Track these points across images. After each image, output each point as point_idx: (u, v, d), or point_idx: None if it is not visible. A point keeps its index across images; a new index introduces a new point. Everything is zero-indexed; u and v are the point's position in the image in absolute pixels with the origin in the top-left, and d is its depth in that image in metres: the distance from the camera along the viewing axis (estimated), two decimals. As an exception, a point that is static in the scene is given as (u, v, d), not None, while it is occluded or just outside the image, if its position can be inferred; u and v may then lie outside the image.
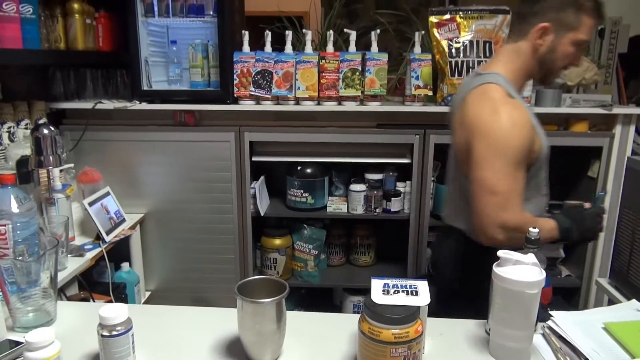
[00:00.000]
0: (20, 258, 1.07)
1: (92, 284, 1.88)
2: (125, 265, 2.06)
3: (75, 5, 1.98)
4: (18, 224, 1.14)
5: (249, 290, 0.93)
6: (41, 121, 1.91)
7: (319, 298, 2.57)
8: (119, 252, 2.05)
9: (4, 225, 1.13)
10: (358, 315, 0.91)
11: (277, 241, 2.33)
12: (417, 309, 0.87)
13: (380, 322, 0.85)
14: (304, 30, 2.11)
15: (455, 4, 3.20)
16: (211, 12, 2.07)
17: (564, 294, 2.41)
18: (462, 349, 0.99)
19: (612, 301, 1.31)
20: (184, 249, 2.26)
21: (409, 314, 0.85)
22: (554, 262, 2.43)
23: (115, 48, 2.23)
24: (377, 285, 0.94)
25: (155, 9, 2.08)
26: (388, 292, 0.91)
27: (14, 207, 1.14)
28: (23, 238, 1.15)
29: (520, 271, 0.91)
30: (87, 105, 2.09)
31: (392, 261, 2.46)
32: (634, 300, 1.09)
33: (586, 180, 2.29)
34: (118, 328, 0.89)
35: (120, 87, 2.24)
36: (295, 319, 1.01)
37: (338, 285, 2.47)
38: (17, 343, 0.97)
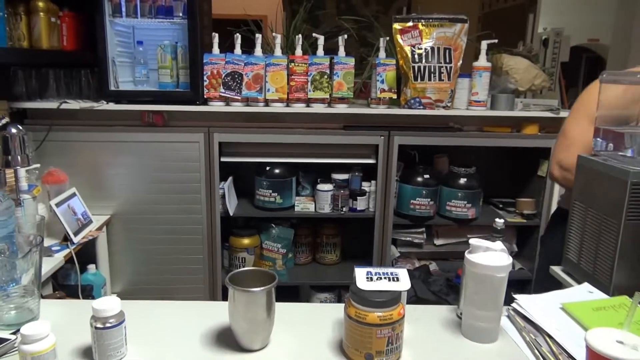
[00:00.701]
0: (2, 256, 1.06)
1: (57, 287, 1.86)
2: (91, 267, 2.03)
3: (40, 4, 1.94)
4: (-4, 223, 1.13)
5: (240, 281, 0.97)
6: (4, 121, 1.86)
7: (286, 296, 2.60)
8: (85, 254, 2.02)
9: (-17, 224, 1.11)
10: (340, 305, 0.97)
11: (246, 241, 2.36)
12: (399, 293, 0.95)
13: (366, 306, 0.91)
14: (273, 34, 2.16)
15: (410, 12, 3.33)
16: (180, 14, 2.09)
17: (517, 286, 2.57)
18: (437, 331, 1.07)
19: (565, 287, 1.43)
20: (151, 250, 2.25)
21: (392, 298, 0.92)
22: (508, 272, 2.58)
23: (80, 48, 2.19)
24: (360, 273, 1.00)
25: (123, 9, 2.07)
26: (371, 279, 0.98)
27: (-8, 206, 1.13)
28: (1, 237, 1.14)
29: (489, 257, 1.00)
30: (51, 105, 2.05)
31: (357, 258, 2.54)
32: (585, 283, 1.21)
33: (536, 179, 2.46)
34: (111, 320, 0.91)
35: (84, 87, 2.21)
36: (282, 309, 1.05)
37: (305, 283, 2.52)
38: (2, 340, 0.97)
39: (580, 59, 4.62)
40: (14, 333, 0.99)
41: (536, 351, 0.98)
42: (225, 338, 1.01)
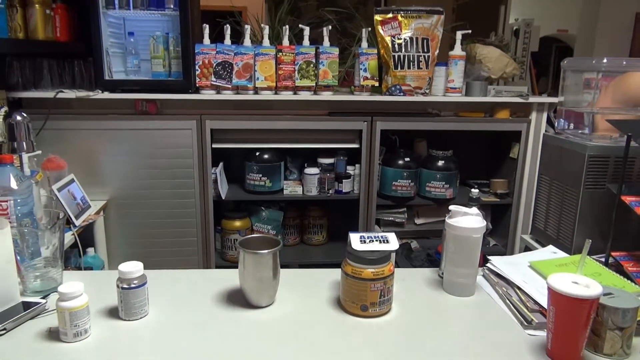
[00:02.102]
0: (28, 228, 1.15)
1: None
2: (90, 251, 2.11)
3: (35, -4, 2.01)
4: (18, 200, 1.22)
5: (249, 245, 1.09)
6: (3, 110, 1.93)
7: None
8: (84, 238, 2.10)
9: (6, 201, 1.21)
10: (335, 270, 1.10)
11: (237, 223, 2.47)
12: (389, 252, 1.08)
13: (361, 263, 1.05)
14: (262, 25, 2.26)
15: (391, 4, 3.47)
16: (172, 6, 2.17)
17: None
18: (421, 288, 1.21)
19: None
20: (147, 234, 2.34)
21: (383, 256, 1.06)
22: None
23: (72, 38, 2.26)
24: (355, 237, 1.13)
25: (116, 1, 2.14)
26: (364, 242, 1.12)
27: (14, 184, 1.22)
28: (22, 214, 1.24)
29: (467, 220, 1.14)
30: (47, 94, 2.11)
31: (343, 239, 2.68)
32: (550, 246, 1.37)
33: (508, 161, 2.63)
34: (135, 281, 1.02)
35: (77, 77, 2.27)
36: (285, 274, 1.18)
37: (294, 263, 2.65)
38: (31, 304, 1.07)
39: (551, 49, 4.84)
40: (43, 298, 1.10)
41: (507, 301, 1.13)
42: (236, 297, 1.13)
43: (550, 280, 0.92)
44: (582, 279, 0.92)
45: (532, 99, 2.42)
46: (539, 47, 3.84)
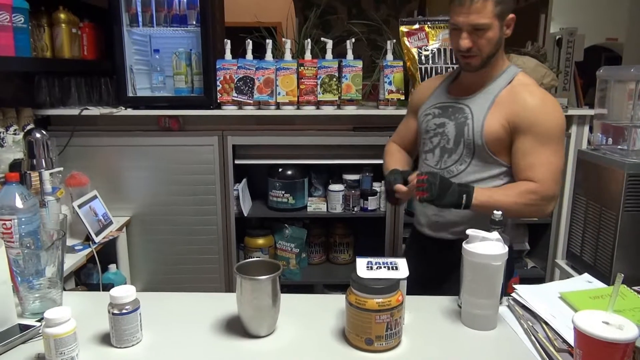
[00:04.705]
0: (28, 249, 1.13)
1: (80, 284, 1.94)
2: (112, 267, 2.11)
3: (62, 15, 2.05)
4: (23, 219, 1.21)
5: (247, 270, 1.02)
6: (29, 127, 1.97)
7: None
8: (106, 254, 2.10)
9: (10, 220, 1.19)
10: (343, 296, 1.01)
11: (260, 241, 2.42)
12: (397, 281, 0.99)
13: (365, 292, 0.96)
14: (283, 39, 2.23)
15: (423, 15, 3.38)
16: (194, 22, 2.17)
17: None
18: (437, 320, 1.11)
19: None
20: (169, 250, 2.33)
21: (390, 285, 0.97)
22: (520, 254, 2.60)
23: (99, 56, 2.30)
24: (361, 263, 1.05)
25: (140, 19, 2.16)
26: (371, 268, 1.03)
27: (19, 203, 1.21)
28: (27, 232, 1.22)
29: (486, 246, 1.04)
30: (73, 111, 2.15)
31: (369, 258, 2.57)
32: (585, 274, 1.24)
33: (547, 178, 2.46)
34: (127, 307, 0.98)
35: (103, 94, 2.31)
36: (287, 300, 1.10)
37: (318, 282, 2.57)
38: (27, 327, 1.04)
39: (600, 59, 4.59)
40: (38, 321, 1.07)
41: (532, 337, 1.01)
42: (234, 325, 1.06)
43: (577, 319, 0.81)
44: (615, 318, 0.80)
45: (571, 111, 2.26)
46: (587, 57, 3.64)
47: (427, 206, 1.42)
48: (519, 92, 1.31)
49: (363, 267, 1.03)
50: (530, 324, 1.05)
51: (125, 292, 0.98)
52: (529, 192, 1.27)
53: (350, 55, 2.22)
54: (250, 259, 1.09)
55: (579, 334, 0.79)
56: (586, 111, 2.27)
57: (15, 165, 1.68)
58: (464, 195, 1.28)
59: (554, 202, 1.30)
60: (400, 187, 1.35)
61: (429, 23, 2.19)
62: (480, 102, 1.35)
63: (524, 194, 1.28)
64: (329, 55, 2.22)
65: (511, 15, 1.30)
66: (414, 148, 1.62)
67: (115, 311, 0.97)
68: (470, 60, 1.31)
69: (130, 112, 2.18)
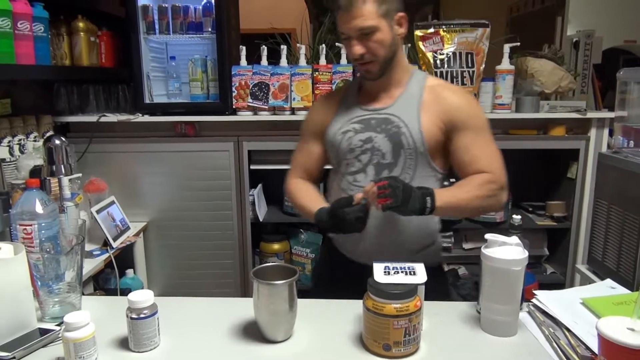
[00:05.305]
0: (48, 254, 1.15)
1: (98, 289, 1.96)
2: (129, 272, 2.13)
3: (81, 24, 2.08)
4: (43, 224, 1.22)
5: (264, 275, 1.02)
6: (49, 134, 2.00)
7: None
8: (123, 259, 2.12)
9: (30, 225, 1.21)
10: (360, 301, 1.00)
11: (276, 246, 2.42)
12: (415, 286, 0.98)
13: (383, 298, 0.95)
14: (298, 45, 2.24)
15: (437, 19, 3.37)
16: (210, 29, 2.19)
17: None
18: (456, 326, 1.09)
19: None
20: (185, 255, 2.34)
21: (408, 290, 0.96)
22: (539, 260, 2.56)
23: (116, 64, 2.33)
24: (378, 268, 1.04)
25: (156, 26, 2.19)
26: (389, 273, 1.02)
27: (39, 209, 1.23)
28: (47, 237, 1.24)
29: (505, 251, 1.02)
30: (91, 118, 2.18)
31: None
32: (608, 279, 1.21)
33: (566, 182, 2.42)
34: (145, 311, 0.98)
35: (121, 102, 2.34)
36: (304, 305, 1.10)
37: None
38: (47, 331, 1.05)
39: (618, 61, 4.52)
40: (58, 325, 1.08)
41: (554, 344, 0.99)
42: (251, 330, 1.06)
43: (602, 325, 0.79)
44: (641, 324, 0.78)
45: (590, 114, 2.22)
46: (606, 59, 3.59)
47: (384, 233, 1.30)
48: (442, 92, 1.28)
49: (380, 272, 1.02)
50: (552, 330, 1.02)
51: (143, 297, 0.98)
52: (486, 183, 1.23)
53: (364, 59, 2.21)
54: (267, 264, 1.08)
55: (604, 340, 0.78)
56: (605, 114, 2.23)
57: (35, 172, 1.71)
58: (428, 198, 1.17)
59: (507, 190, 1.27)
60: (367, 187, 1.17)
61: (444, 27, 2.18)
62: (404, 108, 1.28)
63: (482, 186, 1.23)
64: (343, 60, 2.22)
65: (401, 14, 1.24)
66: (318, 177, 1.51)
67: (134, 315, 0.97)
68: (368, 67, 1.25)
69: (147, 118, 2.20)
